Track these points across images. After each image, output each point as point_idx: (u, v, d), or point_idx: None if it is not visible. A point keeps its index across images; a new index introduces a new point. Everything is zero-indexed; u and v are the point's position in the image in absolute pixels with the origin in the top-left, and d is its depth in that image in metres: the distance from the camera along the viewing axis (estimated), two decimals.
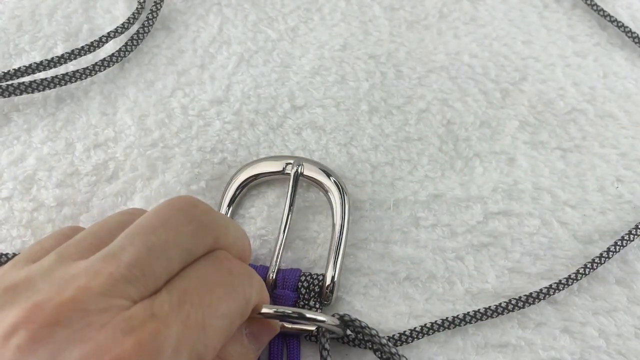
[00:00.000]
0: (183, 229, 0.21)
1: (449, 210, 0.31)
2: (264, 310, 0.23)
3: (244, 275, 0.22)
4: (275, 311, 0.23)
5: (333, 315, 0.25)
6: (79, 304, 0.18)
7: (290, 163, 0.30)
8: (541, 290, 0.28)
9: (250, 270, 0.23)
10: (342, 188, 0.30)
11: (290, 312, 0.23)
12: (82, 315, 0.18)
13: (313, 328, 0.26)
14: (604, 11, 0.38)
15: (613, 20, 0.38)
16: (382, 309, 0.28)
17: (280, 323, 0.25)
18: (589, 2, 0.39)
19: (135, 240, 0.20)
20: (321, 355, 0.25)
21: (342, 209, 0.29)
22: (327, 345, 0.25)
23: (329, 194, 0.30)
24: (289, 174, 0.30)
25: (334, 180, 0.30)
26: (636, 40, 0.37)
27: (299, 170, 0.29)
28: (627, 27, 0.38)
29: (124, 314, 0.18)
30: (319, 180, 0.30)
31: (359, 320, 0.25)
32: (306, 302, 0.27)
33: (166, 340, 0.18)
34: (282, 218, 0.28)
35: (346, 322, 0.25)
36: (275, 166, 0.30)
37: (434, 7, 0.39)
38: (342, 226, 0.28)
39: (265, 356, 0.26)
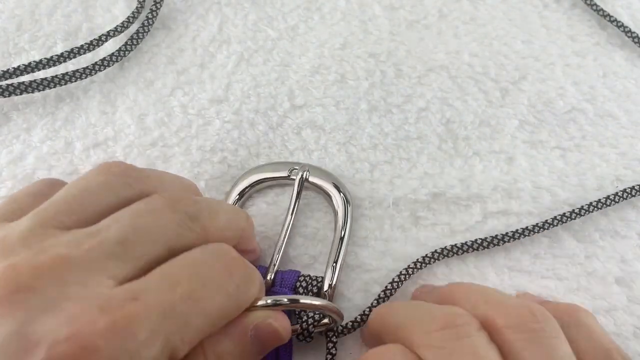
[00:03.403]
0: (169, 216, 0.21)
1: (448, 209, 0.31)
2: (258, 303, 0.22)
3: (244, 279, 0.22)
4: (268, 302, 0.22)
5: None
6: (57, 272, 0.18)
7: (295, 169, 0.30)
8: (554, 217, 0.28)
9: (252, 274, 0.22)
10: (345, 197, 0.30)
11: (285, 300, 0.23)
12: (58, 284, 0.18)
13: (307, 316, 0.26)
14: (603, 11, 0.38)
15: (613, 20, 0.38)
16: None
17: (290, 332, 0.24)
18: (588, 1, 0.39)
19: (122, 220, 0.20)
20: (327, 351, 0.25)
21: (344, 216, 0.29)
22: (333, 339, 0.25)
23: (333, 200, 0.30)
24: (293, 179, 0.30)
25: (339, 189, 0.30)
26: (636, 40, 0.37)
27: (304, 176, 0.30)
28: (626, 27, 0.38)
29: (105, 292, 0.18)
30: (323, 187, 0.30)
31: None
32: None
33: (143, 325, 0.18)
34: (285, 221, 0.28)
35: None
36: (280, 171, 0.30)
37: (433, 7, 0.39)
38: (343, 230, 0.29)
39: None
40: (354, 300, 0.28)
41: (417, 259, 0.28)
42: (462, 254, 0.29)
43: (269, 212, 0.30)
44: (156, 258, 0.20)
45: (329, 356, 0.26)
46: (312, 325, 0.25)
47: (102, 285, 0.18)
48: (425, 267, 0.28)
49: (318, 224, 0.30)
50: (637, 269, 0.29)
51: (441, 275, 0.29)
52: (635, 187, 0.31)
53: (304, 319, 0.26)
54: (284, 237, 0.28)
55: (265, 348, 0.23)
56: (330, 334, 0.26)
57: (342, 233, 0.28)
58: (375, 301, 0.27)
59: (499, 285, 0.29)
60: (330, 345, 0.26)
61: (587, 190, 0.32)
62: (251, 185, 0.30)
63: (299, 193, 0.29)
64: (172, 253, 0.21)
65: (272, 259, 0.27)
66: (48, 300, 0.17)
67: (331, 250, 0.28)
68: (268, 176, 0.30)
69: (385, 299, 0.27)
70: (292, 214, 0.28)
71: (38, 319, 0.17)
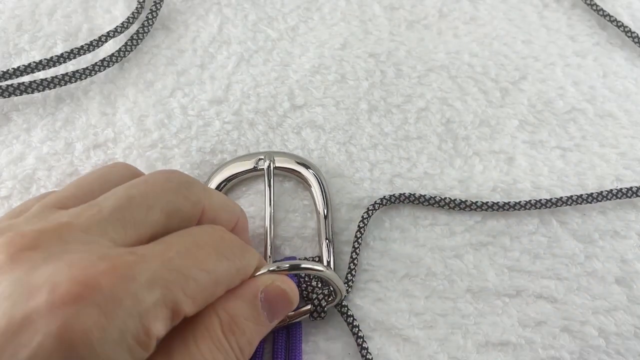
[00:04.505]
0: (163, 185, 0.22)
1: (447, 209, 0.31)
2: (259, 272, 0.23)
3: (236, 245, 0.23)
4: (270, 268, 0.23)
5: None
6: (60, 234, 0.19)
7: (261, 159, 0.30)
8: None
9: (244, 244, 0.23)
10: (315, 171, 0.30)
11: (286, 265, 0.23)
12: (61, 243, 0.19)
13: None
14: (603, 11, 0.38)
15: (613, 20, 0.38)
16: (381, 305, 0.28)
17: (298, 295, 0.25)
18: (588, 1, 0.39)
19: (117, 192, 0.21)
20: (348, 322, 0.26)
21: (320, 188, 0.30)
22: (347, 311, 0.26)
23: (305, 179, 0.30)
24: (262, 170, 0.30)
25: (306, 166, 0.31)
26: (636, 40, 0.37)
27: (271, 164, 0.30)
28: (626, 27, 0.38)
29: (104, 249, 0.19)
30: (292, 169, 0.31)
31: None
32: (308, 283, 0.27)
33: (142, 271, 0.18)
34: (266, 213, 0.29)
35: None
36: (247, 164, 0.31)
37: (433, 7, 0.39)
38: (325, 203, 0.29)
39: (270, 344, 0.27)
40: (353, 300, 0.28)
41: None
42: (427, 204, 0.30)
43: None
44: (154, 225, 0.21)
45: (351, 326, 0.27)
46: (324, 300, 0.26)
47: (102, 245, 0.19)
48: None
49: (317, 225, 0.30)
50: (637, 269, 0.29)
51: (441, 275, 0.29)
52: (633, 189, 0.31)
53: (314, 298, 0.26)
54: (270, 228, 0.28)
55: (276, 313, 0.23)
56: (340, 306, 0.27)
57: (324, 208, 0.29)
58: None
59: (499, 285, 0.29)
60: (346, 317, 0.27)
61: (587, 191, 0.32)
62: (222, 184, 0.30)
63: (270, 181, 0.29)
64: (170, 220, 0.22)
65: (265, 251, 0.28)
66: (50, 254, 0.18)
67: (319, 227, 0.29)
68: (236, 171, 0.31)
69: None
70: (270, 204, 0.29)
71: (40, 267, 0.18)
